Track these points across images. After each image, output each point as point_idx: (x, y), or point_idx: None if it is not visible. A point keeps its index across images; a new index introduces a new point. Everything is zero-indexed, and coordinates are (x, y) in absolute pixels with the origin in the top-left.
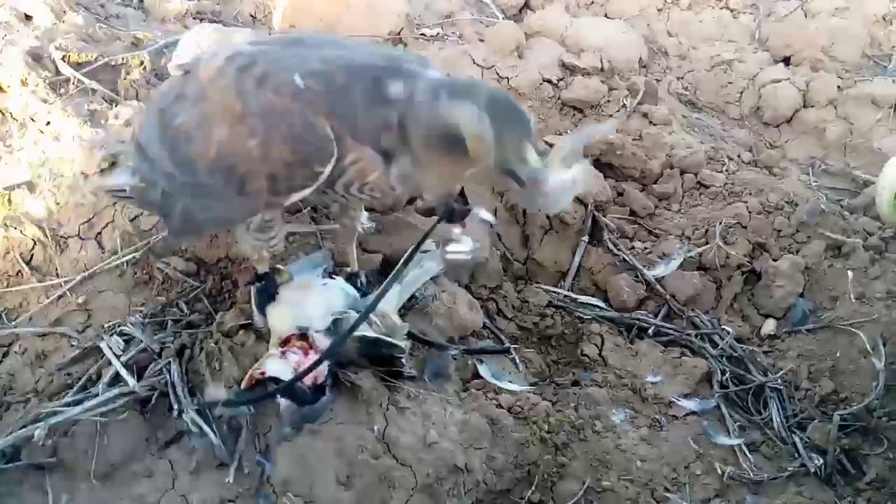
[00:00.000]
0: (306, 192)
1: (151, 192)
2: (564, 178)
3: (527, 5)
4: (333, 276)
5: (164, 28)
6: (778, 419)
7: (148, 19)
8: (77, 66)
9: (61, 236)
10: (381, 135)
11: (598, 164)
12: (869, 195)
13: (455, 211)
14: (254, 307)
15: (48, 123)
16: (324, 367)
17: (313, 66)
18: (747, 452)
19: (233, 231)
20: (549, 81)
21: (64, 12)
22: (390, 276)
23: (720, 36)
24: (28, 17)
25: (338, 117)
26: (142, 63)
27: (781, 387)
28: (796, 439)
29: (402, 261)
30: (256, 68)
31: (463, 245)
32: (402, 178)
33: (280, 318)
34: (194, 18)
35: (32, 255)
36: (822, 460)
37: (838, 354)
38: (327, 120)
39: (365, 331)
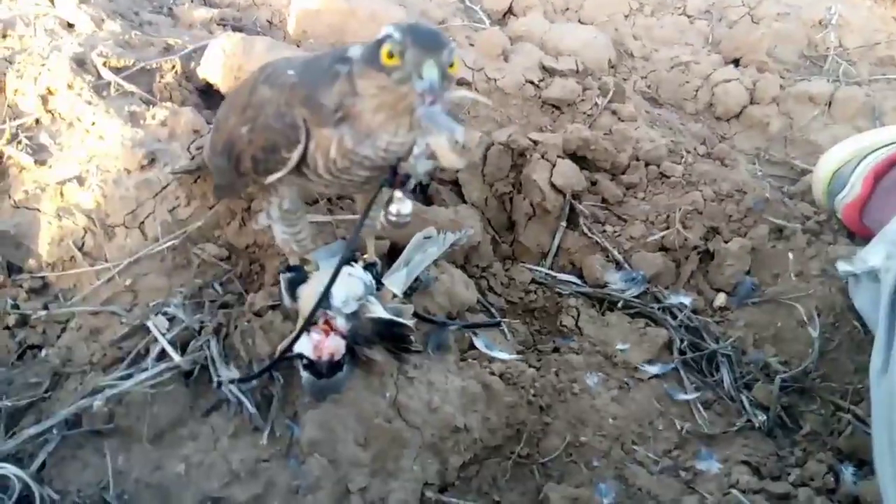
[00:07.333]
0: (280, 174)
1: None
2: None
3: (510, 11)
4: (352, 264)
5: (192, 33)
6: (728, 381)
7: (177, 25)
8: (116, 70)
9: (108, 225)
10: (333, 87)
11: (575, 157)
12: (806, 183)
13: (396, 175)
14: (283, 293)
15: (93, 124)
16: (341, 346)
17: (308, 58)
18: (702, 410)
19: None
20: (532, 82)
21: (102, 20)
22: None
23: (679, 39)
24: (70, 26)
25: (309, 102)
26: (173, 67)
27: (731, 352)
28: (743, 398)
29: (356, 226)
30: (270, 69)
31: (404, 206)
32: (350, 130)
33: (305, 302)
34: (218, 25)
35: (84, 242)
36: (765, 416)
37: (779, 324)
38: (302, 107)
39: (379, 313)
